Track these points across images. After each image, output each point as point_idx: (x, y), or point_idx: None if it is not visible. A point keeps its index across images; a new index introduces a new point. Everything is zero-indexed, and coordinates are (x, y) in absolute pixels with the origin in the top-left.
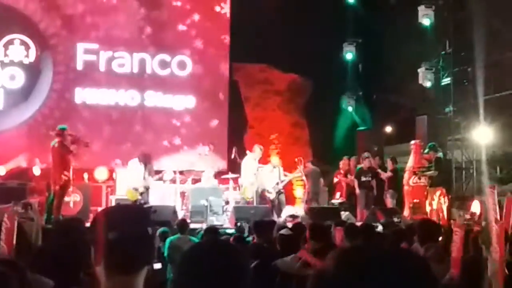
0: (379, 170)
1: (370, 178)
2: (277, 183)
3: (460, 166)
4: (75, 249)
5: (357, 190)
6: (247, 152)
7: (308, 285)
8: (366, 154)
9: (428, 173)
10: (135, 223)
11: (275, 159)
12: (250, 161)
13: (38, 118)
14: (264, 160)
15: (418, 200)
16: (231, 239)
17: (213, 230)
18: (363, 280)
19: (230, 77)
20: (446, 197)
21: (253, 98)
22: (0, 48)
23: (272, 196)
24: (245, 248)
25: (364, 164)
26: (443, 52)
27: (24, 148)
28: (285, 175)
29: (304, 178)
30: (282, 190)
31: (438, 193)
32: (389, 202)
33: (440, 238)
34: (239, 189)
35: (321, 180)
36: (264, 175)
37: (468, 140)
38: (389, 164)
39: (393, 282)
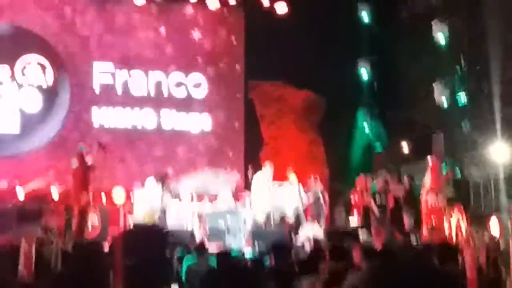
0: (389, 187)
1: (384, 197)
2: (296, 208)
3: (477, 183)
4: (94, 273)
5: (375, 211)
6: (263, 169)
7: None
8: (380, 172)
9: (446, 191)
10: (152, 247)
11: (292, 177)
12: (260, 178)
13: (56, 141)
14: (282, 177)
15: (436, 219)
16: (249, 263)
17: (225, 254)
18: None
19: (245, 96)
20: (464, 215)
21: (268, 116)
22: (17, 70)
23: (291, 220)
24: (263, 271)
25: (378, 184)
26: (458, 68)
27: (42, 170)
28: (309, 192)
29: (321, 196)
30: (301, 214)
31: (456, 211)
32: (407, 221)
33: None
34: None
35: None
36: (282, 194)
37: (485, 157)
38: (405, 182)
39: None
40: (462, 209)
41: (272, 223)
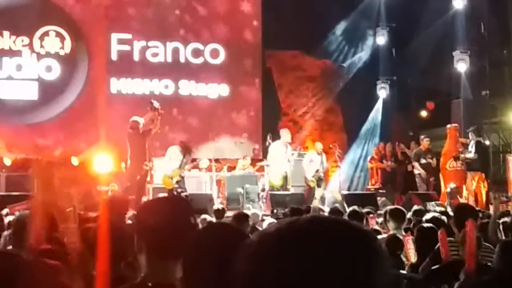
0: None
1: (430, 160)
2: (317, 171)
3: (497, 149)
4: (116, 239)
5: (417, 171)
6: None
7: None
8: (423, 136)
9: (469, 156)
10: (178, 213)
11: (319, 146)
12: (279, 146)
13: (75, 109)
14: (301, 146)
15: (455, 185)
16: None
17: (243, 215)
18: (280, 253)
19: (263, 65)
20: (484, 182)
21: (286, 85)
22: (36, 40)
23: (313, 184)
24: None
25: (423, 146)
26: (478, 35)
27: (61, 138)
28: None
29: (340, 164)
30: (322, 177)
31: (476, 178)
32: (424, 187)
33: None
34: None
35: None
36: (305, 163)
37: (505, 123)
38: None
39: (313, 252)
40: (482, 175)
41: (289, 186)
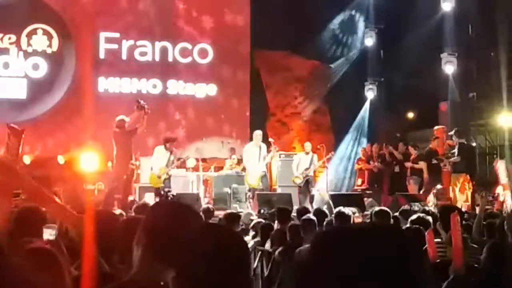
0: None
1: (441, 162)
2: (306, 169)
3: (483, 151)
4: (107, 236)
5: (425, 174)
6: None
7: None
8: (434, 135)
9: (452, 159)
10: (189, 224)
11: (307, 146)
12: (251, 148)
13: (61, 108)
14: (288, 147)
15: (441, 186)
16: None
17: (234, 215)
18: (337, 258)
19: (252, 64)
20: (470, 183)
21: (274, 85)
22: (23, 38)
23: (299, 180)
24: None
25: (433, 145)
26: (465, 37)
27: (48, 137)
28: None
29: (327, 165)
30: (309, 175)
31: (461, 179)
32: (412, 188)
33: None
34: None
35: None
36: (294, 164)
37: (491, 125)
38: (411, 151)
39: (367, 258)
40: (467, 176)
41: (275, 187)
